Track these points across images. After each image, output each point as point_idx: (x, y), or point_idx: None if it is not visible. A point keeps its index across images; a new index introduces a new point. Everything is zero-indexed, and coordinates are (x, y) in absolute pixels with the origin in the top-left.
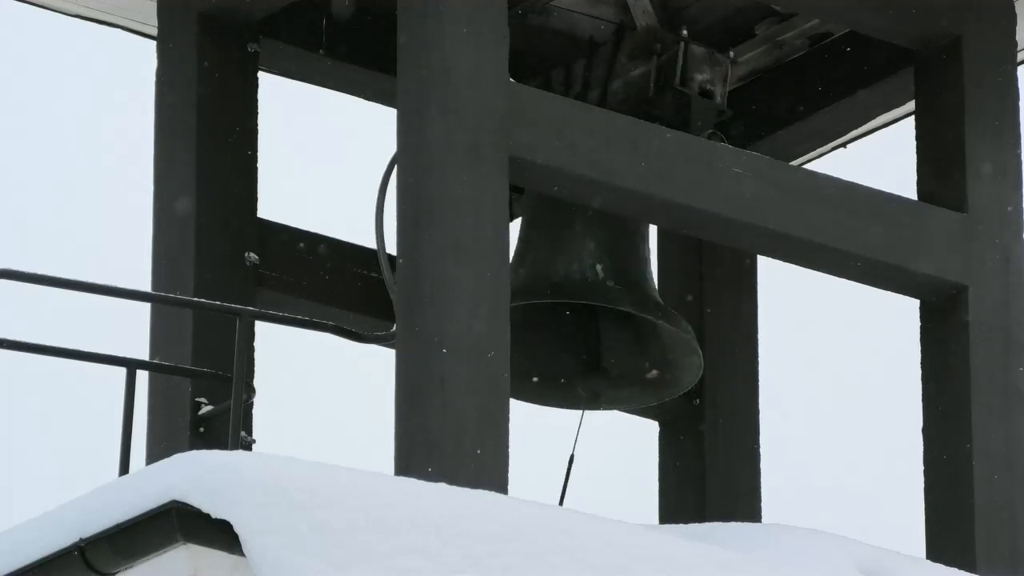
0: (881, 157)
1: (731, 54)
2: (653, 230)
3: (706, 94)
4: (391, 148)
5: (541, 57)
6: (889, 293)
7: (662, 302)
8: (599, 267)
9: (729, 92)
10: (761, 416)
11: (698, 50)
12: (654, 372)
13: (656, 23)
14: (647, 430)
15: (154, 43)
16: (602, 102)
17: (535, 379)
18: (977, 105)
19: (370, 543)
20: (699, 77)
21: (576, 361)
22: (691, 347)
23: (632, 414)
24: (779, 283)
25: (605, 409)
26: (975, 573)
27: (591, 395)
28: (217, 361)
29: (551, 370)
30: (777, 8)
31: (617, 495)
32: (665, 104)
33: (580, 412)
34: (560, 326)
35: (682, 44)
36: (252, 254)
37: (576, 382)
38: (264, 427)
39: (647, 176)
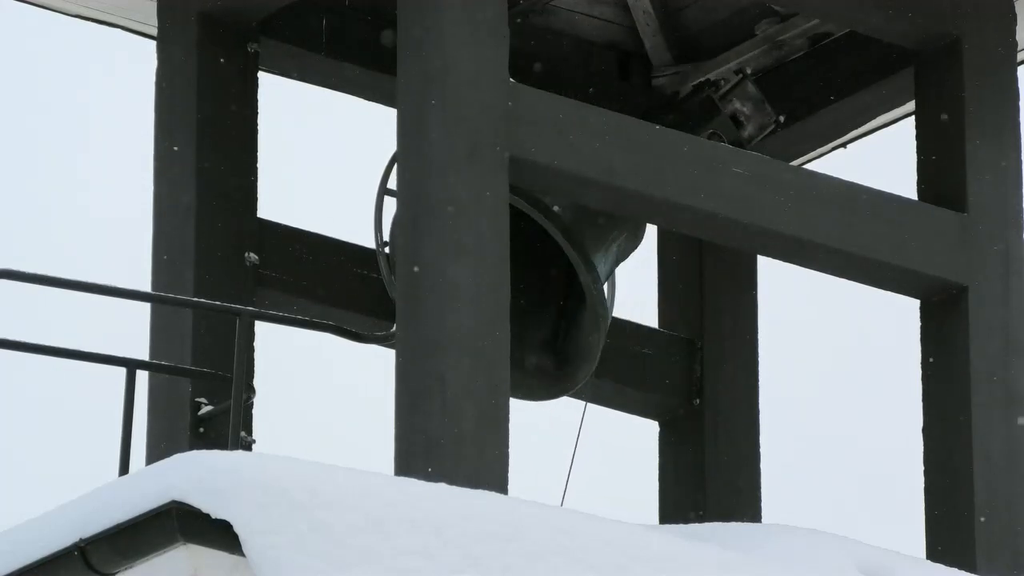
0: (881, 157)
1: (781, 119)
2: (653, 230)
3: (736, 123)
4: (391, 148)
5: (553, 63)
6: (889, 293)
7: (596, 267)
8: (556, 207)
9: (728, 90)
10: (761, 416)
11: (752, 89)
12: (542, 361)
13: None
14: (647, 430)
15: (154, 43)
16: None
17: None
18: (977, 105)
19: (370, 543)
20: (738, 106)
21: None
22: (596, 320)
23: (632, 414)
24: (779, 283)
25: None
26: (975, 573)
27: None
28: (217, 361)
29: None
30: (777, 8)
31: (617, 495)
32: (690, 107)
33: (583, 405)
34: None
35: (740, 75)
36: (252, 254)
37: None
38: (264, 427)
39: (647, 176)
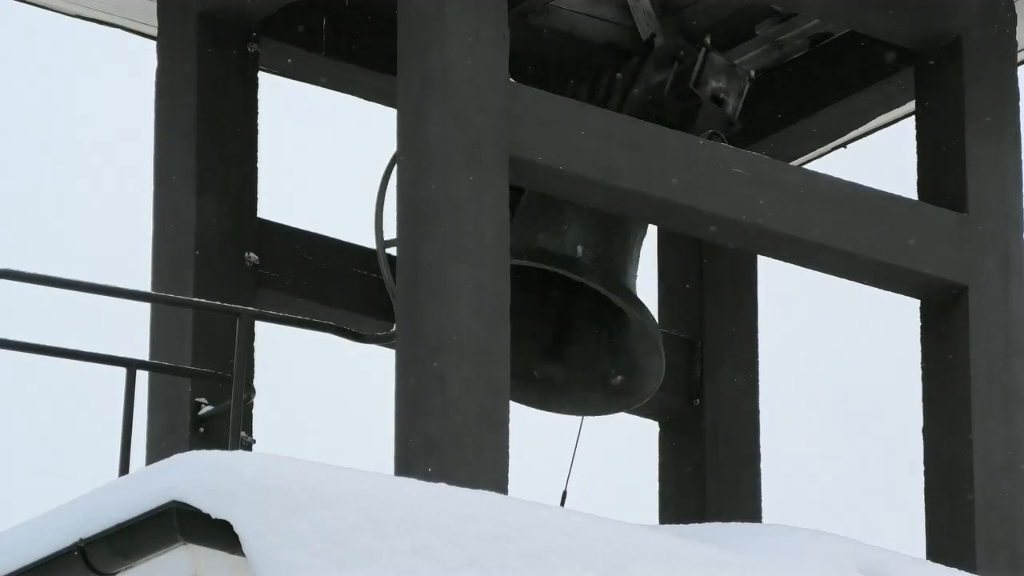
0: (881, 157)
1: (752, 74)
2: (653, 230)
3: (718, 101)
4: (391, 148)
5: (553, 63)
6: (889, 293)
7: (635, 295)
8: (579, 247)
9: (700, 71)
10: (761, 416)
11: (719, 59)
12: (619, 378)
13: (672, 32)
14: (647, 430)
15: (154, 43)
16: (620, 108)
17: None
18: (977, 105)
19: (370, 543)
20: (713, 84)
21: (539, 345)
22: (655, 344)
23: (632, 414)
24: (779, 283)
25: (567, 413)
26: (975, 573)
27: (545, 379)
28: (217, 361)
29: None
30: (777, 8)
31: (617, 495)
32: (675, 104)
33: (580, 419)
34: (529, 307)
35: (703, 51)
36: (252, 254)
37: (534, 366)
38: (264, 427)
39: (647, 176)
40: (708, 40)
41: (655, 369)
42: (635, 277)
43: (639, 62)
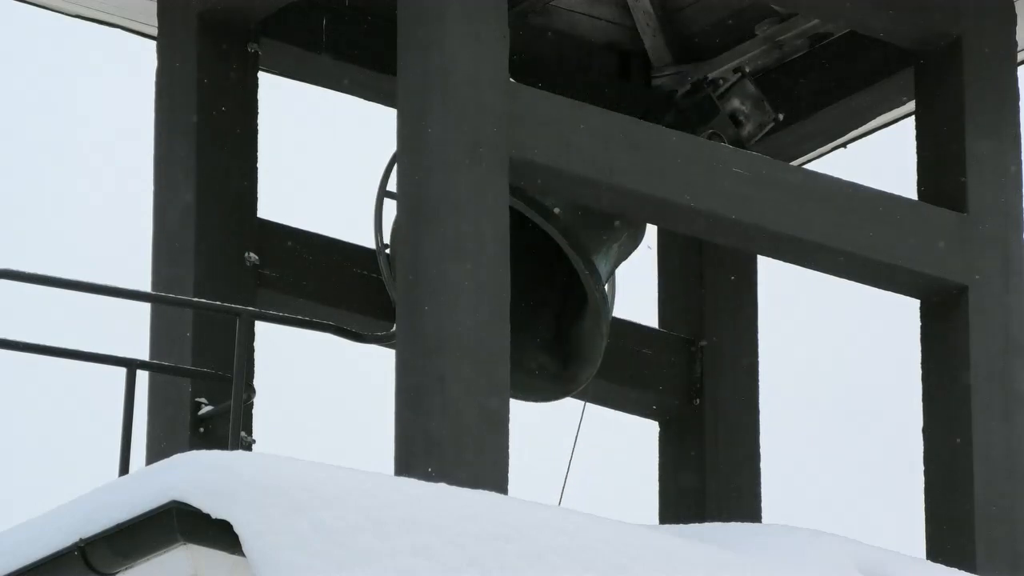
0: (881, 157)
1: (780, 117)
2: (653, 230)
3: (735, 121)
4: (391, 148)
5: (553, 63)
6: (889, 293)
7: (600, 275)
8: (558, 209)
9: (727, 89)
10: (761, 416)
11: (751, 89)
12: (560, 366)
13: (673, 35)
14: (647, 430)
15: (154, 43)
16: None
17: None
18: (977, 105)
19: (370, 543)
20: (737, 103)
21: (537, 334)
22: (601, 328)
23: (632, 414)
24: (779, 283)
25: (520, 399)
26: (975, 573)
27: (541, 368)
28: (217, 361)
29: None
30: (777, 8)
31: (617, 495)
32: (692, 113)
33: (583, 406)
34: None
35: (739, 75)
36: (252, 254)
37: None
38: (264, 427)
39: (647, 176)
40: (747, 69)
41: (595, 355)
42: (606, 266)
43: (685, 99)
